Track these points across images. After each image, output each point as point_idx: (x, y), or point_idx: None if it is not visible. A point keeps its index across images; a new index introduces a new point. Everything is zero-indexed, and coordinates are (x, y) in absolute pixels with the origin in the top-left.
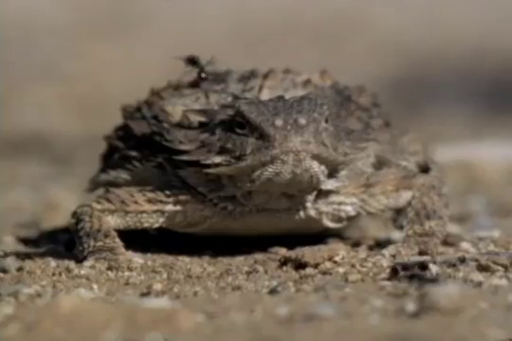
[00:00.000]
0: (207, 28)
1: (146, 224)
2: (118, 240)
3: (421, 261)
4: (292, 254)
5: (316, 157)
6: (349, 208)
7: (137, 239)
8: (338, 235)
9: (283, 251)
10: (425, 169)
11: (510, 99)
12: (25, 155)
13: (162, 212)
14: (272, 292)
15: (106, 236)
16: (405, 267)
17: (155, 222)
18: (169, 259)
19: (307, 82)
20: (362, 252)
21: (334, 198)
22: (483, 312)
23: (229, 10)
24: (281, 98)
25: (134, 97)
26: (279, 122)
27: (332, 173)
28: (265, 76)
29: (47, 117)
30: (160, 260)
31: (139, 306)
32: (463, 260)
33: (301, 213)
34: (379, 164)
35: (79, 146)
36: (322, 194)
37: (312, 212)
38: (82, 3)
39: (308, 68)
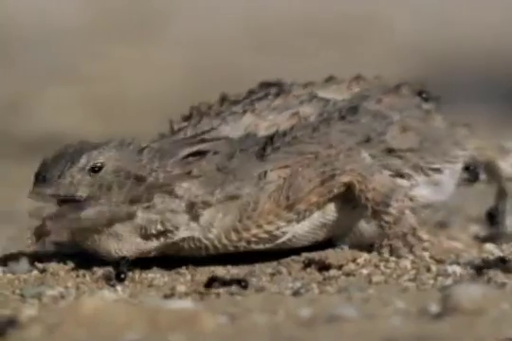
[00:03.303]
0: (225, 29)
1: None
2: None
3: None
4: (316, 255)
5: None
6: (282, 230)
7: None
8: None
9: (306, 253)
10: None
11: None
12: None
13: None
14: (295, 293)
15: None
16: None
17: None
18: (193, 260)
19: (314, 98)
20: (386, 253)
21: (255, 231)
22: (505, 313)
23: (248, 11)
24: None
25: (152, 98)
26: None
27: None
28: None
29: (66, 119)
30: (184, 261)
31: (162, 308)
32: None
33: (224, 246)
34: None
35: None
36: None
37: (235, 244)
38: (102, 4)
39: (325, 70)
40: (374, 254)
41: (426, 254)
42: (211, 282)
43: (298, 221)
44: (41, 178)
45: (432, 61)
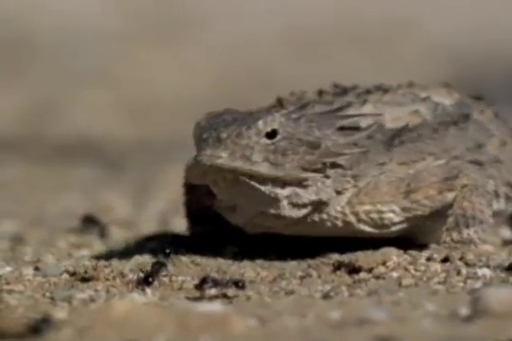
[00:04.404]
0: (257, 32)
1: None
2: None
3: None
4: (346, 258)
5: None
6: (390, 215)
7: (191, 243)
8: (389, 239)
9: (336, 256)
10: None
11: None
12: (76, 160)
13: None
14: (325, 296)
15: None
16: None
17: None
18: (222, 263)
19: (426, 99)
20: (416, 256)
21: (368, 207)
22: None
23: (279, 14)
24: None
25: (185, 101)
26: (203, 135)
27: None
28: (386, 90)
29: (98, 122)
30: (214, 264)
31: (192, 310)
32: None
33: (333, 220)
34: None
35: (130, 150)
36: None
37: (345, 219)
38: (133, 7)
39: (357, 72)
40: (405, 257)
41: (456, 256)
42: (202, 284)
43: (408, 219)
44: (213, 139)
45: (465, 64)
